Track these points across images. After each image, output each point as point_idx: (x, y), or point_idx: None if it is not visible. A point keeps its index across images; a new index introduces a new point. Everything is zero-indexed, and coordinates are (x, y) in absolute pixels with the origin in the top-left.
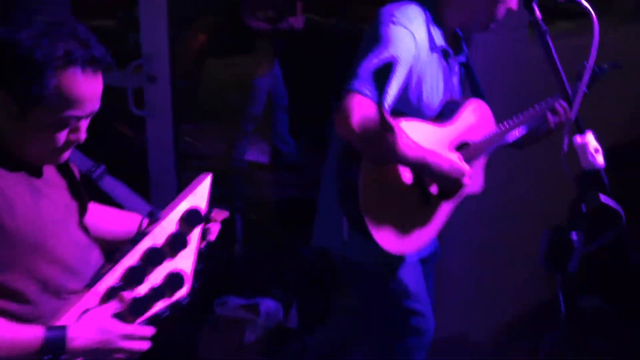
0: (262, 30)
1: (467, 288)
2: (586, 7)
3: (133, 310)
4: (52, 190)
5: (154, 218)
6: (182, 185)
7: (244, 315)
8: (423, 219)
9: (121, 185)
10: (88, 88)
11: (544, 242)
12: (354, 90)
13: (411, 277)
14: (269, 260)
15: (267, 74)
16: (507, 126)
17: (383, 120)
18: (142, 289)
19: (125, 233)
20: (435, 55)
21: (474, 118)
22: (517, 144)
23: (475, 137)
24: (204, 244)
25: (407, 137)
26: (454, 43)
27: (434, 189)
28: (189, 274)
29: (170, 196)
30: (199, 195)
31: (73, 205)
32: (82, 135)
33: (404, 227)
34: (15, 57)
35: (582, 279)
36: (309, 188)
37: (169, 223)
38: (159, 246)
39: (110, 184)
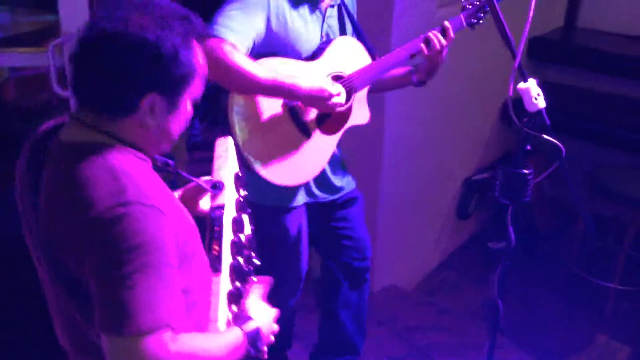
0: None
1: (392, 244)
2: None
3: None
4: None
5: (217, 189)
6: None
7: None
8: (305, 150)
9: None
10: (203, 56)
11: (500, 178)
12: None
13: (293, 224)
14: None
15: None
16: (380, 59)
17: (231, 54)
18: (242, 259)
19: None
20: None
21: (343, 53)
22: (412, 82)
23: (348, 70)
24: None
25: (260, 66)
26: None
27: (309, 119)
28: (252, 234)
29: None
30: (233, 159)
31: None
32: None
33: (286, 158)
34: (154, 56)
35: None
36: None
37: (230, 191)
38: (237, 215)
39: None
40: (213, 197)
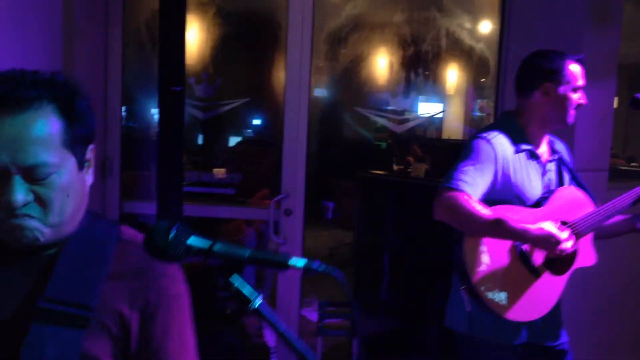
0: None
1: None
2: None
3: None
4: None
5: None
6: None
7: None
8: (534, 289)
9: None
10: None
11: None
12: (445, 186)
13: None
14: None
15: None
16: (604, 207)
17: (469, 202)
18: None
19: None
20: (522, 156)
21: (566, 200)
22: (636, 228)
23: (572, 217)
24: None
25: (491, 212)
26: (549, 149)
27: (538, 261)
28: None
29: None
30: None
31: None
32: None
33: (515, 295)
34: None
35: None
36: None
37: None
38: None
39: None
40: None
